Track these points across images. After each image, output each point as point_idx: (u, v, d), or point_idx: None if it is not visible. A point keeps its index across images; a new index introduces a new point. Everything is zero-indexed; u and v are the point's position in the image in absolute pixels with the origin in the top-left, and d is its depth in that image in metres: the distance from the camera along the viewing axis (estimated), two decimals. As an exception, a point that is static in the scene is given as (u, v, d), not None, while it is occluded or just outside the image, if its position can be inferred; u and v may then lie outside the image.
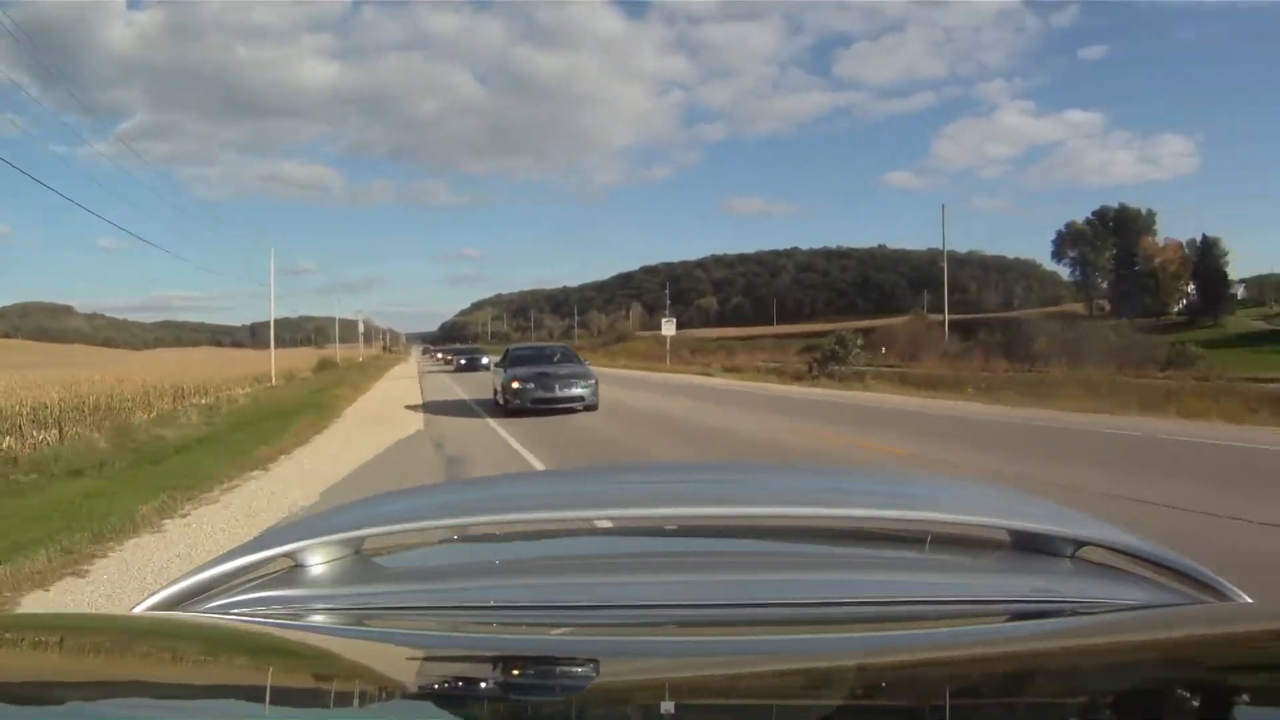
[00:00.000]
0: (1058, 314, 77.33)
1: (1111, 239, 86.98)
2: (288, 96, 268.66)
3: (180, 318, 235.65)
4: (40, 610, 4.57)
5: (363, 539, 1.36)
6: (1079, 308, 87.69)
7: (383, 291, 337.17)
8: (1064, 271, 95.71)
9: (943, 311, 50.02)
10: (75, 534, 6.56)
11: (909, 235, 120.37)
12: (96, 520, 7.10)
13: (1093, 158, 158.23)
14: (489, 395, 19.56)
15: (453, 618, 1.20)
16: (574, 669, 0.95)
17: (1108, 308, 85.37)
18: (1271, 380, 22.75)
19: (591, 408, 16.45)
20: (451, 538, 1.55)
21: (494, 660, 0.98)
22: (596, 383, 17.11)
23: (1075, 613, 1.16)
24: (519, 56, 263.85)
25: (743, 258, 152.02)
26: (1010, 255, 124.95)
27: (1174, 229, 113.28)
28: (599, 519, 1.50)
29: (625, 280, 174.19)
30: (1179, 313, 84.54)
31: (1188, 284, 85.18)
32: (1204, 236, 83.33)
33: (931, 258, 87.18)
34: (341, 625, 1.18)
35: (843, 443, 12.05)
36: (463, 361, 44.45)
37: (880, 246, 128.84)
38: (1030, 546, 1.34)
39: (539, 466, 9.95)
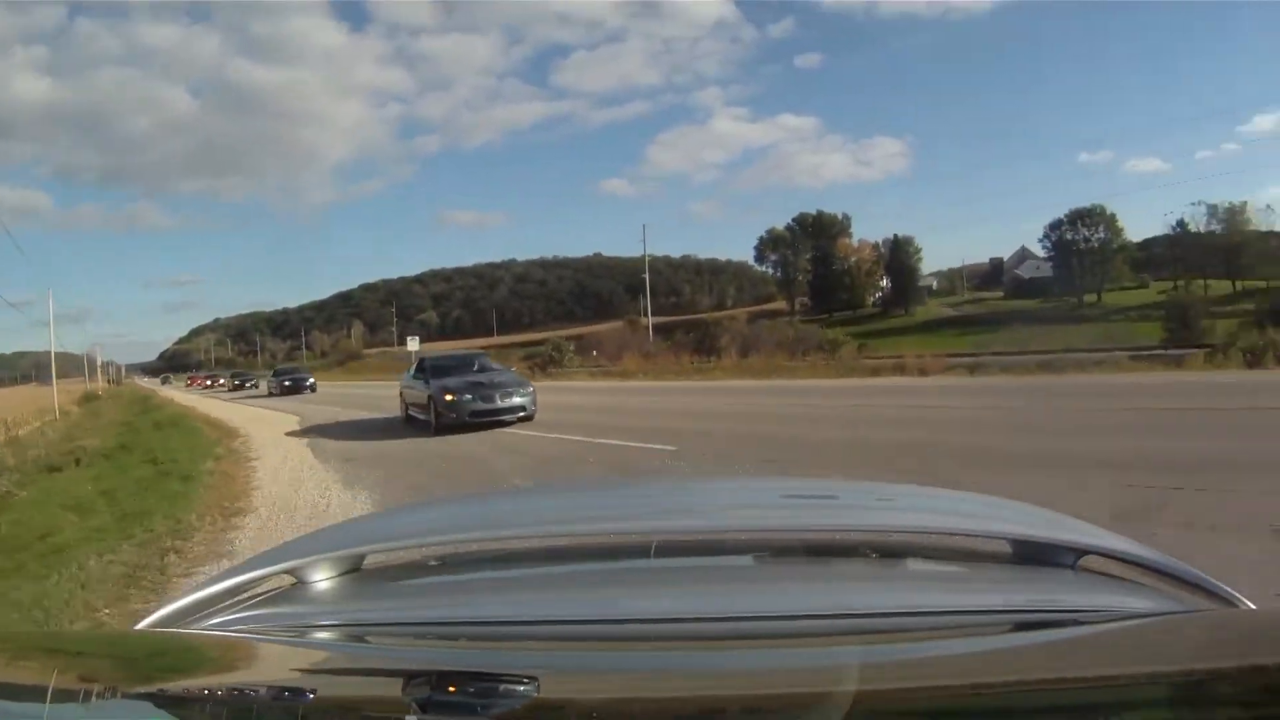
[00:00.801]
0: (764, 312, 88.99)
1: (810, 242, 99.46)
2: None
3: None
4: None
5: (363, 556, 1.47)
6: (784, 305, 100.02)
7: (97, 322, 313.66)
8: (767, 270, 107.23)
9: (659, 314, 59.78)
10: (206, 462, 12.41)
11: (624, 242, 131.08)
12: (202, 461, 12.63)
13: (806, 160, 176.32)
14: (341, 415, 21.24)
15: (455, 634, 1.27)
16: (574, 684, 1.02)
17: (809, 304, 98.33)
18: (890, 357, 32.33)
19: (529, 418, 16.24)
20: (454, 555, 1.61)
21: (492, 675, 1.00)
22: (534, 390, 16.92)
23: (1078, 623, 1.20)
24: (235, 70, 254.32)
25: (460, 271, 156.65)
26: (723, 258, 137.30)
27: (882, 226, 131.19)
28: (598, 534, 1.65)
29: (345, 299, 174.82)
30: (873, 305, 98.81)
31: (881, 279, 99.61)
32: (895, 236, 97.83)
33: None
34: (342, 642, 1.27)
35: (557, 400, 21.01)
36: (286, 383, 42.26)
37: (596, 255, 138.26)
38: (1032, 556, 1.40)
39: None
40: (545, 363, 42.27)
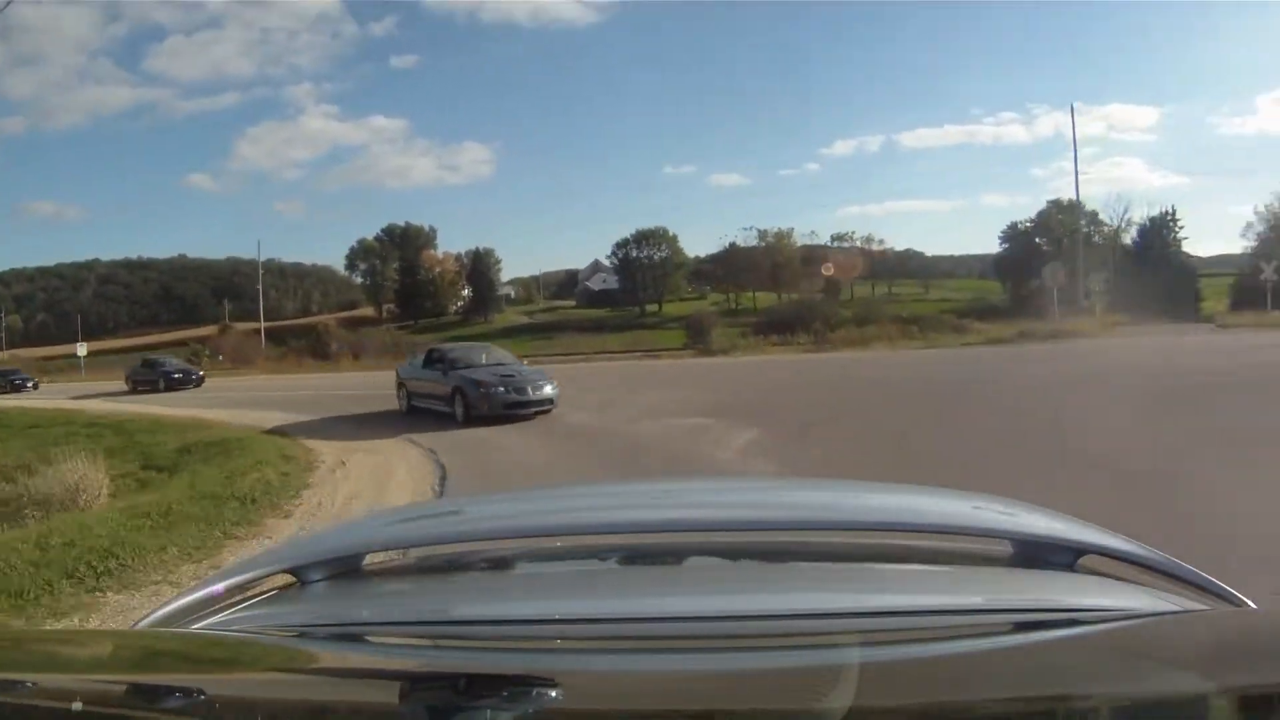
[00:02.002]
0: (353, 318, 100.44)
1: (398, 252, 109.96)
2: None
3: None
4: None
5: (362, 556, 1.57)
6: (371, 312, 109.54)
7: None
8: (357, 278, 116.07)
9: (245, 319, 70.77)
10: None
11: (210, 243, 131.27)
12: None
13: (395, 163, 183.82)
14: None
15: (453, 634, 1.33)
16: (573, 684, 1.03)
17: (396, 311, 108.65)
18: None
19: (549, 410, 17.67)
20: (452, 555, 1.70)
21: (490, 676, 1.05)
22: (556, 382, 18.32)
23: (1078, 623, 1.26)
24: None
25: (43, 271, 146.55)
26: (308, 262, 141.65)
27: (471, 231, 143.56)
28: (597, 536, 1.74)
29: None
30: (456, 313, 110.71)
31: (463, 289, 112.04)
32: (477, 249, 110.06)
33: (233, 267, 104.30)
34: (342, 641, 1.32)
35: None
36: (176, 376, 39.70)
37: (181, 256, 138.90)
38: (1031, 556, 1.48)
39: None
40: (187, 366, 51.48)
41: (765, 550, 1.77)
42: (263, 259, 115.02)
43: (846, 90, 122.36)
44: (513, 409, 17.12)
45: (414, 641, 1.35)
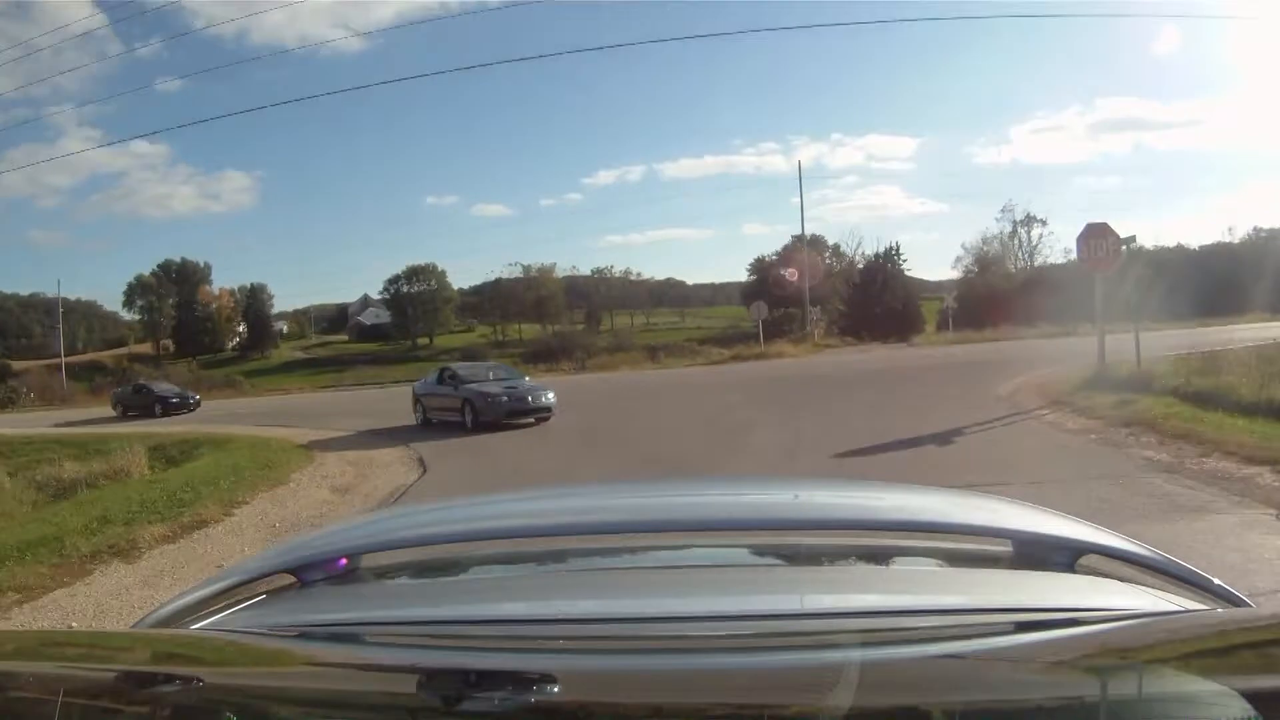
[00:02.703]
0: (131, 355, 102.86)
1: (175, 288, 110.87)
2: None
3: None
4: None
5: (360, 556, 1.60)
6: (147, 348, 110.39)
7: None
8: (133, 315, 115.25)
9: (9, 358, 75.55)
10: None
11: None
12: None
13: (156, 190, 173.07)
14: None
15: (451, 633, 1.36)
16: (570, 683, 1.06)
17: (173, 348, 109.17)
18: (278, 388, 57.79)
19: (548, 417, 19.89)
20: (451, 555, 1.74)
21: (489, 674, 1.08)
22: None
23: (1078, 622, 1.28)
24: None
25: None
26: (73, 296, 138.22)
27: (245, 264, 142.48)
28: (596, 536, 1.77)
29: None
30: (233, 349, 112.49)
31: (239, 324, 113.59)
32: (251, 285, 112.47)
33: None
34: (341, 641, 1.36)
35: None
36: (173, 400, 38.96)
37: None
38: (1031, 556, 1.51)
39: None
40: (7, 402, 55.50)
41: (765, 550, 1.84)
42: (25, 294, 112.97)
43: (608, 120, 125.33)
44: (515, 416, 19.64)
45: (413, 641, 1.39)
